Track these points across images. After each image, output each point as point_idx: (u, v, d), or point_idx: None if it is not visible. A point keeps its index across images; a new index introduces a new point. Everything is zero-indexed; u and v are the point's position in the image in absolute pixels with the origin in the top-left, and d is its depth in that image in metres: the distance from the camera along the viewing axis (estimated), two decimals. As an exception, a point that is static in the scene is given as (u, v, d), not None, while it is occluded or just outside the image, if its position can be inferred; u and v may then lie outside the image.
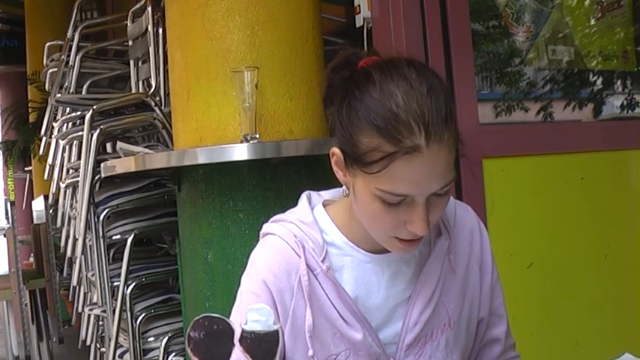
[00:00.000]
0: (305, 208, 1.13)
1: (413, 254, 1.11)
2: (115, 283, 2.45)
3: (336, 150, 1.03)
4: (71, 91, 3.25)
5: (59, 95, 3.25)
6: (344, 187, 1.07)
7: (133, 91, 3.02)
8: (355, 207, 1.05)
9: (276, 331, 0.91)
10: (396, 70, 0.98)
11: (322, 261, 1.06)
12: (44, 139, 3.74)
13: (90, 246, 2.58)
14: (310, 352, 1.05)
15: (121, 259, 2.40)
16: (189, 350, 0.89)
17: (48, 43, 4.12)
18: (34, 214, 4.75)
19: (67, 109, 3.26)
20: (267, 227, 1.14)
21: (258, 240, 1.14)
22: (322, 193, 1.18)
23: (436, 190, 0.97)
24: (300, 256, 1.06)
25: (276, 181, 1.91)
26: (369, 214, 1.01)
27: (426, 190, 0.96)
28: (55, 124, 3.30)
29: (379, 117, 0.94)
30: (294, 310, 1.06)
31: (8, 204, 4.12)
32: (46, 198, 4.17)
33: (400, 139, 0.93)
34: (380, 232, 1.03)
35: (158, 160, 2.00)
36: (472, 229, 1.16)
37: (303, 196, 1.16)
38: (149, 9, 2.75)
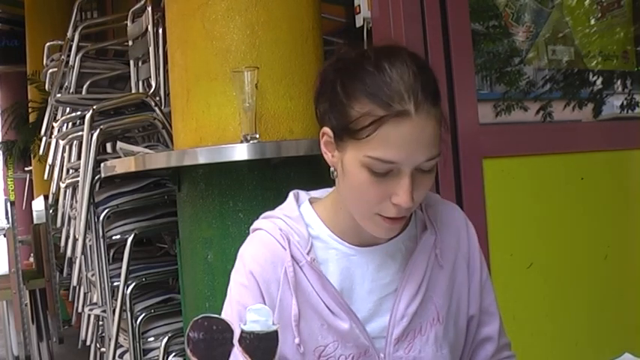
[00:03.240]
0: (291, 204, 1.17)
1: (399, 248, 1.13)
2: (115, 283, 2.45)
3: (325, 129, 1.08)
4: (71, 91, 3.26)
5: (59, 95, 3.25)
6: (332, 169, 1.10)
7: (133, 91, 3.03)
8: (342, 186, 1.08)
9: (275, 332, 0.91)
10: (389, 50, 1.05)
11: (307, 253, 1.09)
12: (44, 139, 3.75)
13: (90, 246, 2.58)
14: (297, 340, 1.07)
15: (121, 259, 2.40)
16: (188, 350, 0.89)
17: (48, 43, 4.13)
18: (34, 214, 4.74)
19: (67, 109, 3.26)
20: (255, 223, 1.18)
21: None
22: (311, 192, 1.22)
23: (422, 162, 1.00)
24: (286, 249, 1.09)
25: (276, 181, 1.91)
26: (356, 187, 1.04)
27: (412, 159, 0.99)
28: (55, 124, 3.31)
29: (373, 85, 1.00)
30: (280, 300, 1.09)
31: (8, 204, 4.12)
32: (46, 198, 4.17)
33: (390, 104, 0.98)
34: (365, 209, 1.05)
35: (158, 160, 2.00)
36: (459, 226, 1.18)
37: (290, 194, 1.20)
38: (149, 9, 2.75)
